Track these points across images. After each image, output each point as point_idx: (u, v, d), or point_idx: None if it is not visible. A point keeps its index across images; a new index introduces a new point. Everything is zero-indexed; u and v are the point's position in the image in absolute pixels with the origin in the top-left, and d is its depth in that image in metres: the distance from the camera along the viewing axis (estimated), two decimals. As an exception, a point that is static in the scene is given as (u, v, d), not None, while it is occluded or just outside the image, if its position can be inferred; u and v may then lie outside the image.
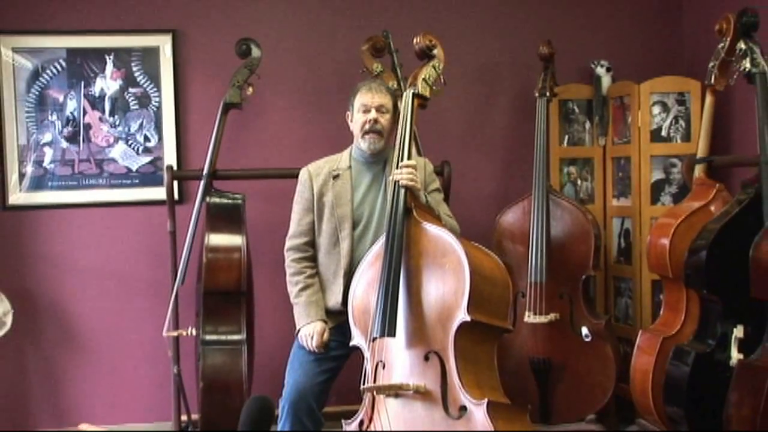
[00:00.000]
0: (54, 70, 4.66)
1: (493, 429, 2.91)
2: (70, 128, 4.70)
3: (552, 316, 4.38)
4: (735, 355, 3.53)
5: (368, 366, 3.28)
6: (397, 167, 3.42)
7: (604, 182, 4.93)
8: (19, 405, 4.73)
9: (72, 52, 4.67)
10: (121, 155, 4.75)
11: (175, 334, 4.25)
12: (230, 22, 4.78)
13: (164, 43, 4.72)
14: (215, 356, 4.10)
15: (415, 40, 3.67)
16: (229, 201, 4.31)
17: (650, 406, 3.90)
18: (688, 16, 5.08)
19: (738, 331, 3.56)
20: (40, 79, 4.65)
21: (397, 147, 3.50)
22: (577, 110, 4.96)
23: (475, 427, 2.96)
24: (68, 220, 4.72)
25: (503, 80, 5.03)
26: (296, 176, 3.89)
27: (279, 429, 3.54)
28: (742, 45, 3.79)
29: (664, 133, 4.68)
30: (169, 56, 4.73)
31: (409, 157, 3.46)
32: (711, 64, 3.97)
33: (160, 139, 4.76)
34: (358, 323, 3.41)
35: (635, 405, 4.12)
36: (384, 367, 3.22)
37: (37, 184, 4.68)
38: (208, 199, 4.29)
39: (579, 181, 4.97)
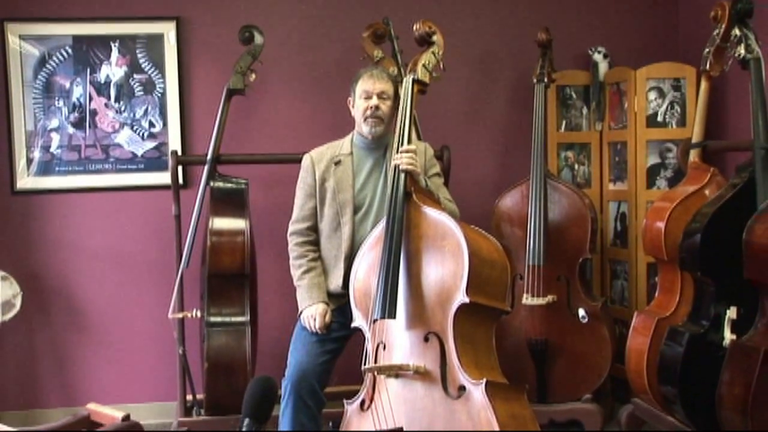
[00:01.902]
0: (60, 57, 4.69)
1: (491, 408, 2.94)
2: (76, 114, 4.74)
3: (549, 298, 4.43)
4: (728, 336, 3.57)
5: (369, 347, 3.31)
6: (397, 152, 3.45)
7: (600, 167, 4.96)
8: (29, 385, 4.80)
9: (78, 39, 4.70)
10: (127, 141, 4.79)
11: (180, 315, 4.29)
12: (233, 9, 4.80)
13: (168, 30, 4.75)
14: (219, 337, 4.15)
15: (414, 27, 3.68)
16: (233, 185, 4.35)
17: (645, 386, 3.94)
18: (683, 3, 5.10)
19: (731, 313, 3.59)
20: (47, 65, 4.69)
21: (397, 132, 3.52)
22: (574, 96, 4.99)
23: (473, 406, 2.98)
24: (75, 205, 4.77)
25: (502, 66, 5.06)
26: (298, 161, 3.92)
27: (282, 408, 3.57)
28: (736, 31, 3.80)
29: (659, 118, 4.71)
30: (173, 43, 4.76)
31: (409, 142, 3.47)
32: (706, 50, 3.99)
33: (165, 124, 4.80)
34: (359, 305, 3.44)
35: (630, 385, 4.15)
36: (385, 348, 3.25)
37: (45, 169, 4.72)
38: (212, 183, 4.32)
39: (576, 166, 5.01)
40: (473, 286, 3.10)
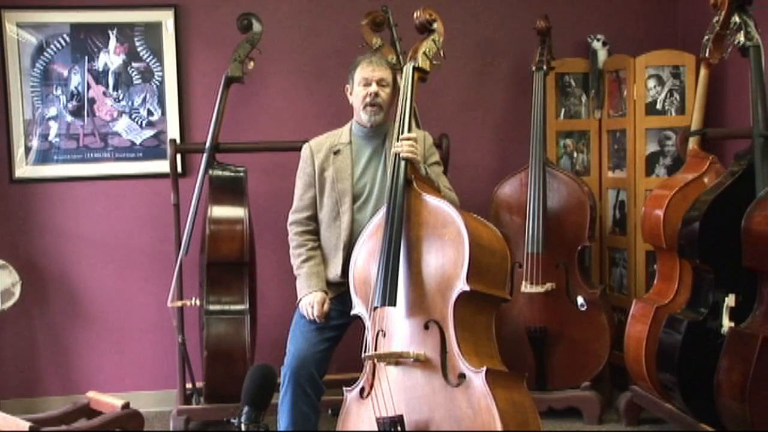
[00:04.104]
0: (58, 45, 4.68)
1: (491, 396, 2.95)
2: (74, 102, 4.72)
3: (548, 285, 4.44)
4: (726, 323, 3.59)
5: (369, 335, 3.31)
6: (397, 140, 3.44)
7: (599, 154, 4.96)
8: (29, 373, 4.80)
9: (75, 27, 4.68)
10: (125, 129, 4.78)
11: (179, 304, 4.31)
12: (231, -4, 4.80)
13: (166, 18, 4.73)
14: (219, 326, 4.16)
15: (415, 15, 3.67)
16: (231, 174, 4.35)
17: (644, 373, 3.97)
18: (683, -10, 5.11)
19: (730, 300, 3.61)
20: (45, 54, 4.67)
21: (397, 120, 3.52)
22: (573, 84, 4.98)
23: (473, 394, 2.99)
24: (74, 193, 4.76)
25: (501, 54, 5.05)
26: (297, 149, 3.91)
27: (281, 396, 3.56)
28: (736, 18, 3.80)
29: (659, 106, 4.71)
30: (171, 31, 4.74)
31: (409, 130, 3.47)
32: (706, 37, 3.99)
33: (163, 113, 4.78)
34: (359, 293, 3.43)
35: (629, 372, 4.18)
36: (384, 335, 3.25)
37: (43, 157, 4.71)
38: (210, 171, 4.32)
39: (575, 154, 5.01)
40: (473, 274, 3.10)
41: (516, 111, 4.99)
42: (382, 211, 3.38)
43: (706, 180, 3.97)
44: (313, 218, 3.82)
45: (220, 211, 4.23)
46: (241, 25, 4.41)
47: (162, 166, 4.72)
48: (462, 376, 3.05)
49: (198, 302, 4.27)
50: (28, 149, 4.70)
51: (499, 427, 2.92)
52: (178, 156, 4.53)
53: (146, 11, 4.73)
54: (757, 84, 3.71)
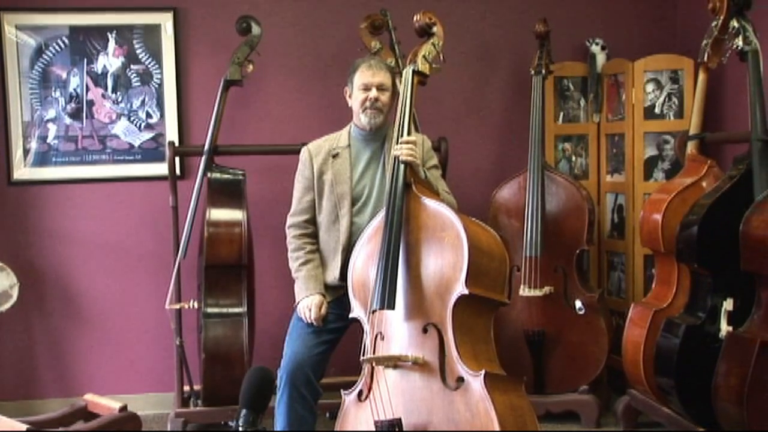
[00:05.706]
0: (57, 48, 4.68)
1: (489, 399, 2.94)
2: (73, 105, 4.72)
3: (546, 289, 4.44)
4: (724, 327, 3.59)
5: (367, 338, 3.31)
6: (397, 143, 3.44)
7: (598, 158, 4.97)
8: (26, 376, 4.80)
9: (74, 30, 4.68)
10: (124, 131, 4.78)
11: (177, 306, 4.30)
12: (231, -1, 4.80)
13: (165, 21, 4.74)
14: (217, 328, 4.16)
15: (415, 18, 3.68)
16: (230, 176, 4.35)
17: (641, 377, 3.96)
18: (682, -5, 5.12)
19: (728, 304, 3.61)
20: (44, 56, 4.67)
21: (396, 123, 3.52)
22: (572, 87, 4.99)
23: (472, 397, 2.99)
24: (72, 196, 4.76)
25: (499, 58, 5.05)
26: (296, 152, 3.91)
27: (277, 399, 3.56)
28: (734, 23, 3.82)
29: (657, 110, 4.72)
30: (170, 33, 4.74)
31: (408, 134, 3.47)
32: (704, 42, 4.00)
33: (162, 115, 4.78)
34: (357, 296, 3.43)
35: (627, 376, 4.17)
36: (383, 338, 3.25)
37: (42, 159, 4.71)
38: (209, 174, 4.32)
39: (573, 158, 5.01)
40: (472, 278, 3.10)
41: (514, 114, 4.99)
42: (381, 214, 3.38)
43: (704, 184, 3.97)
44: (312, 221, 3.82)
45: (218, 214, 4.22)
46: (240, 27, 4.41)
47: (160, 168, 4.71)
48: (460, 379, 3.04)
49: (196, 305, 4.26)
50: (26, 151, 4.70)
51: (497, 430, 2.92)
52: (177, 158, 4.52)
53: (145, 13, 4.74)
54: (755, 88, 3.72)
